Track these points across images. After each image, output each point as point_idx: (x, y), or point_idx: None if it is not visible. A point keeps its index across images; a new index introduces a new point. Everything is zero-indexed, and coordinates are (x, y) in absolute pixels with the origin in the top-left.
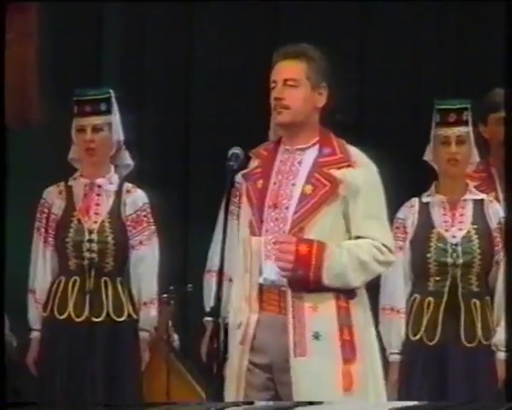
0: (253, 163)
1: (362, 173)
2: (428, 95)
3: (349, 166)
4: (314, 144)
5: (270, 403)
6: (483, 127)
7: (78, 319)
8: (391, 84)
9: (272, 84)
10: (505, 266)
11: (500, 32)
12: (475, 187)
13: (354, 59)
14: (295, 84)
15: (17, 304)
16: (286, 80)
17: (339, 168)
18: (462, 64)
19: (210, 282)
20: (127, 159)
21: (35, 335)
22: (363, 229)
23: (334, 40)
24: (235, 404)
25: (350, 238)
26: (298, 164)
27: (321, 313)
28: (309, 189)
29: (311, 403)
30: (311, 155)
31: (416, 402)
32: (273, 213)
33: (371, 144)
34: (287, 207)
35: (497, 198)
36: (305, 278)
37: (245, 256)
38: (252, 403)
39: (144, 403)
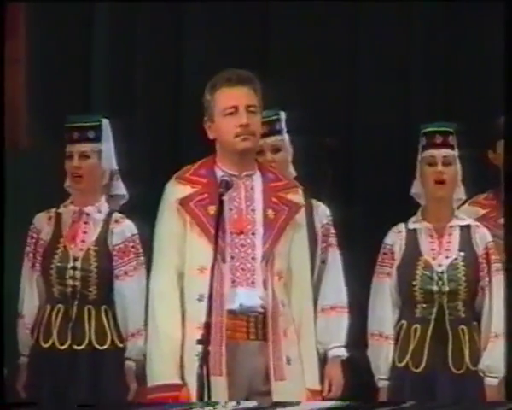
0: (186, 189)
1: (303, 198)
2: (417, 119)
3: (296, 191)
4: (256, 171)
5: (252, 403)
6: (492, 154)
7: (61, 347)
8: (379, 107)
9: (230, 110)
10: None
11: (491, 52)
12: (485, 214)
13: (343, 82)
14: (255, 110)
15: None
16: (248, 106)
17: (287, 193)
18: (451, 88)
19: None
20: (121, 189)
21: (24, 360)
22: (301, 255)
23: (323, 62)
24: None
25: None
26: (251, 190)
27: (289, 339)
28: (271, 213)
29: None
30: (258, 181)
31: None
32: (237, 239)
33: (359, 167)
34: (253, 233)
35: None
36: None
37: (200, 284)
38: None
39: (139, 403)
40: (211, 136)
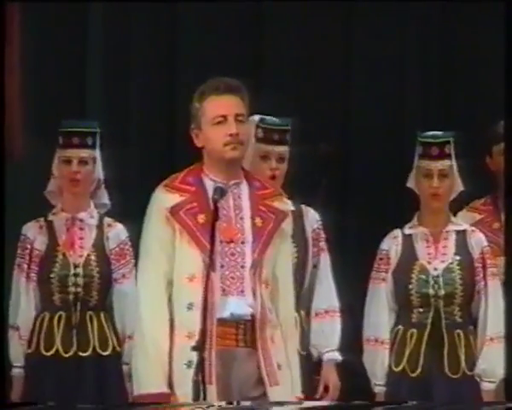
0: (175, 198)
1: (289, 206)
2: (412, 125)
3: (280, 198)
4: (243, 179)
5: (248, 403)
6: (489, 159)
7: (66, 355)
8: (374, 113)
9: (219, 119)
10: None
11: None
12: (480, 220)
13: (338, 88)
14: (243, 119)
15: None
16: (237, 115)
17: (273, 201)
18: (448, 94)
19: None
20: (105, 198)
21: (18, 372)
22: (285, 263)
23: (317, 69)
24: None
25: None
26: (238, 198)
27: (277, 345)
28: (259, 221)
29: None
30: (245, 190)
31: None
32: (226, 248)
33: (354, 174)
34: (242, 242)
35: (501, 228)
36: None
37: (190, 293)
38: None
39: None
40: (198, 144)
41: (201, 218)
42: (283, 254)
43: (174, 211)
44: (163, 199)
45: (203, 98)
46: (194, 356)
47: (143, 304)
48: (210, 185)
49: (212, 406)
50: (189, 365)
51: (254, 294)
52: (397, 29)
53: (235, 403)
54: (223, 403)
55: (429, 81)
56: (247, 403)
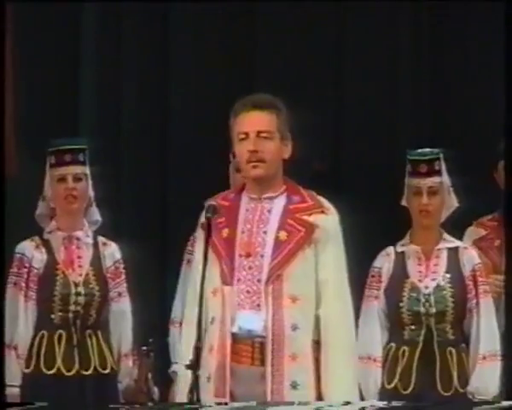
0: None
1: (333, 220)
2: (404, 142)
3: (322, 212)
4: (282, 193)
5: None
6: (496, 173)
7: (68, 373)
8: (367, 130)
9: (242, 136)
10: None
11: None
12: (484, 236)
13: (330, 105)
14: (269, 136)
15: None
16: (259, 132)
17: (310, 214)
18: (438, 110)
19: (174, 333)
20: (97, 215)
21: (14, 391)
22: (328, 275)
23: (309, 87)
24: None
25: (316, 281)
26: (267, 212)
27: (300, 363)
28: (283, 235)
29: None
30: (280, 204)
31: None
32: (245, 261)
33: (346, 192)
34: (262, 256)
35: (500, 246)
36: None
37: (212, 306)
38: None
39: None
40: (237, 171)
41: (225, 232)
42: (326, 262)
43: (205, 227)
44: (202, 215)
45: (235, 115)
46: (211, 371)
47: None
48: (245, 200)
49: (210, 406)
50: (208, 379)
51: (271, 309)
52: (389, 38)
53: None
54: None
55: (423, 96)
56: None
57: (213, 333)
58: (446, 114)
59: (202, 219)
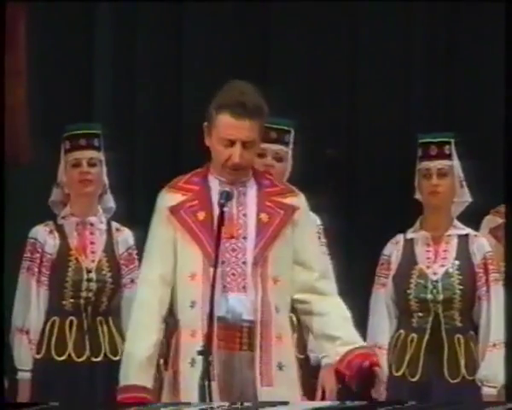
0: (176, 197)
1: (305, 202)
2: (417, 129)
3: (294, 195)
4: (251, 177)
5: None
6: None
7: (78, 360)
8: (380, 118)
9: (225, 141)
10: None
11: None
12: (501, 224)
13: (345, 92)
14: (252, 145)
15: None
16: (245, 143)
17: (285, 197)
18: (453, 96)
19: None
20: (111, 201)
21: (26, 375)
22: (307, 254)
23: (324, 73)
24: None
25: (296, 263)
26: (243, 195)
27: (284, 344)
28: (265, 217)
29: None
30: (252, 187)
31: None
32: (227, 243)
33: (360, 178)
34: (244, 237)
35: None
36: None
37: (192, 290)
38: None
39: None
40: (206, 142)
41: (201, 215)
42: (306, 241)
43: (175, 210)
44: (166, 199)
45: (219, 110)
46: (196, 355)
47: (136, 306)
48: (215, 183)
49: (222, 406)
50: (192, 363)
51: (257, 291)
52: (402, 30)
53: (238, 404)
54: (225, 404)
55: (435, 85)
56: (250, 404)
57: (195, 317)
58: (459, 101)
59: (169, 203)
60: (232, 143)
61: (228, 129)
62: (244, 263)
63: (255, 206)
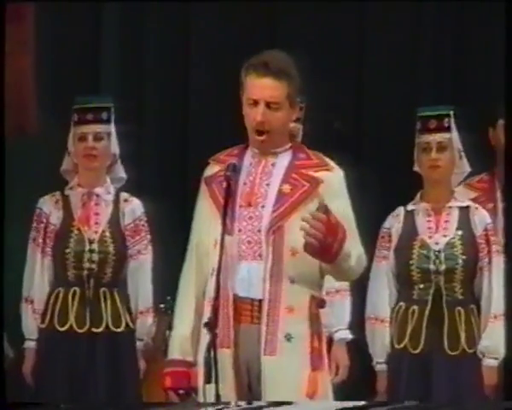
0: (213, 169)
1: (338, 177)
2: (426, 104)
3: (327, 169)
4: (287, 149)
5: (242, 403)
6: (492, 131)
7: (79, 331)
8: (388, 91)
9: (250, 101)
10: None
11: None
12: (475, 198)
13: (352, 67)
14: (277, 106)
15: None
16: (269, 103)
17: (316, 171)
18: (459, 72)
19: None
20: (121, 172)
21: (31, 345)
22: None
23: (331, 47)
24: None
25: None
26: (271, 166)
27: (295, 316)
28: (287, 188)
29: (281, 403)
30: (285, 159)
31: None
32: (245, 211)
33: (368, 152)
34: (262, 206)
35: (494, 209)
36: (328, 249)
37: (213, 258)
38: (228, 403)
39: (143, 403)
40: (243, 112)
41: (226, 184)
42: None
43: (208, 181)
44: (206, 171)
45: (246, 72)
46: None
47: (181, 278)
48: (248, 155)
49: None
50: (205, 325)
51: (272, 259)
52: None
53: (254, 403)
54: (242, 403)
55: (443, 60)
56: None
57: (211, 286)
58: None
59: (206, 174)
60: (256, 102)
61: (252, 88)
62: (259, 231)
63: (281, 177)
